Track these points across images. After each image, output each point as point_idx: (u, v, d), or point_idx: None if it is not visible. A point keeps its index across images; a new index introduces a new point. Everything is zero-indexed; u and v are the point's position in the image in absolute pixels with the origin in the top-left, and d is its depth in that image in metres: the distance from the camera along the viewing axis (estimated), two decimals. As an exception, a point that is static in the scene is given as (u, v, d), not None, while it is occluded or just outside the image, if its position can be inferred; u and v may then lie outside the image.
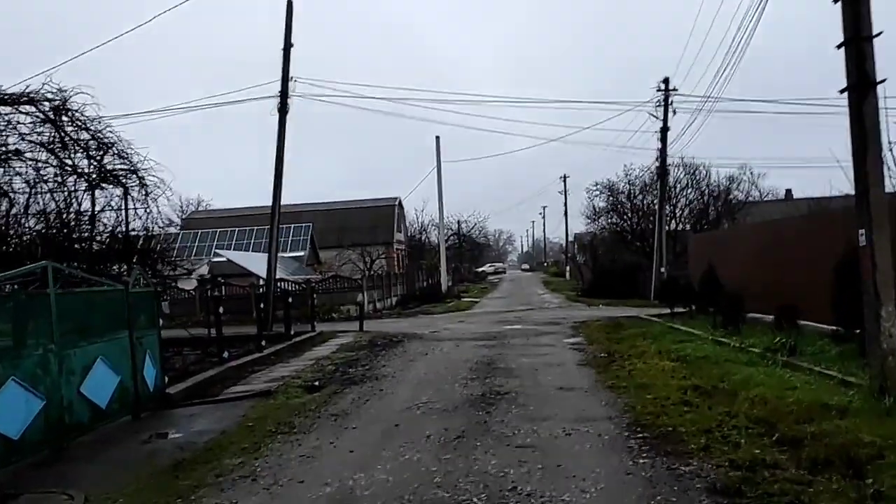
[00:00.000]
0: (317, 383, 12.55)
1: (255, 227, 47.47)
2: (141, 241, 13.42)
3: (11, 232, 11.78)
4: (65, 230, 12.07)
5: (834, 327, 12.30)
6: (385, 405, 9.93)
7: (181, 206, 74.20)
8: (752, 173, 42.85)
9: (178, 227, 59.62)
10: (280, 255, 44.84)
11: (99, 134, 11.40)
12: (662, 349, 13.91)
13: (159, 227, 18.41)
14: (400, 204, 59.74)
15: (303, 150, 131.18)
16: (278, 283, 31.68)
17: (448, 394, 10.40)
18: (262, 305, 17.72)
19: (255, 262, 33.02)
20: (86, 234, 12.15)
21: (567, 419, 8.18)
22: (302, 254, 46.96)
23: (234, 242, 47.21)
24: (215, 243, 46.61)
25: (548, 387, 10.45)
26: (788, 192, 54.24)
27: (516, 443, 7.27)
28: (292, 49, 23.68)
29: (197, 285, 37.31)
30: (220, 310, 15.38)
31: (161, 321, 12.08)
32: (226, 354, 14.83)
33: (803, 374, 9.94)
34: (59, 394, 8.72)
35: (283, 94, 23.71)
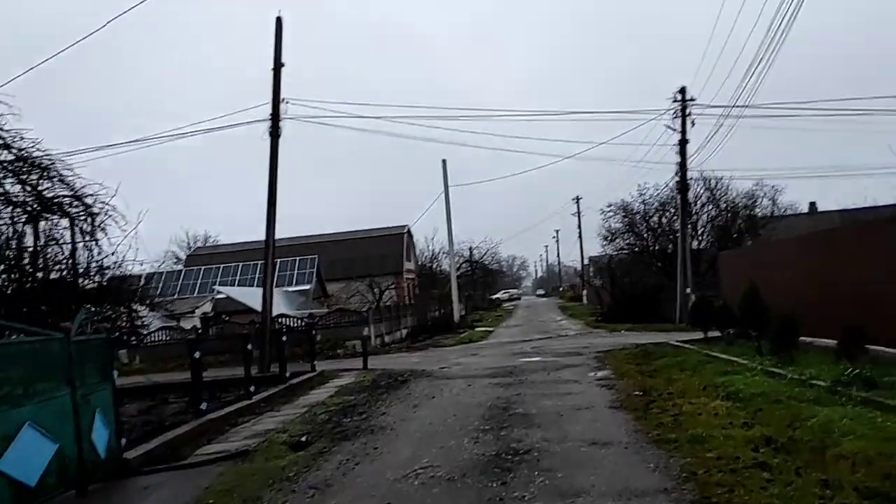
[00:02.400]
0: (304, 438, 10.70)
1: (261, 262, 45.87)
2: (97, 281, 11.60)
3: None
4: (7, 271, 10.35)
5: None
6: (376, 471, 8.03)
7: (188, 243, 73.23)
8: (772, 188, 40.57)
9: (183, 265, 58.35)
10: (285, 289, 43.29)
11: (24, 152, 9.72)
12: (707, 384, 11.95)
13: (138, 264, 16.67)
14: (409, 232, 58.07)
15: (308, 180, 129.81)
16: (278, 319, 29.97)
17: (455, 453, 8.47)
18: (249, 347, 15.85)
19: (256, 298, 31.36)
20: (28, 278, 10.39)
21: (609, 493, 6.23)
22: (308, 287, 45.23)
23: (238, 278, 45.63)
24: (219, 279, 45.05)
25: (577, 441, 8.49)
26: (812, 205, 52.14)
27: (543, 536, 5.36)
28: (283, 68, 22.21)
29: (200, 324, 35.73)
30: (197, 354, 13.55)
31: (116, 373, 10.25)
32: (204, 406, 12.99)
33: (898, 416, 7.94)
34: (-36, 477, 6.92)
35: (275, 117, 22.14)
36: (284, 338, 18.38)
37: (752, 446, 7.11)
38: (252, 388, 15.46)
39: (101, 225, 10.95)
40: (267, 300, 22.62)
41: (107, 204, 11.05)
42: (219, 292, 37.21)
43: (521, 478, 7.03)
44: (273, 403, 15.08)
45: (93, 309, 10.64)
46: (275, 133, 22.14)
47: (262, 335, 21.63)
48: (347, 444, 9.90)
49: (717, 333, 19.04)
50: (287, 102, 22.33)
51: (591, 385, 13.68)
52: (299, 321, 30.51)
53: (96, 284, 13.71)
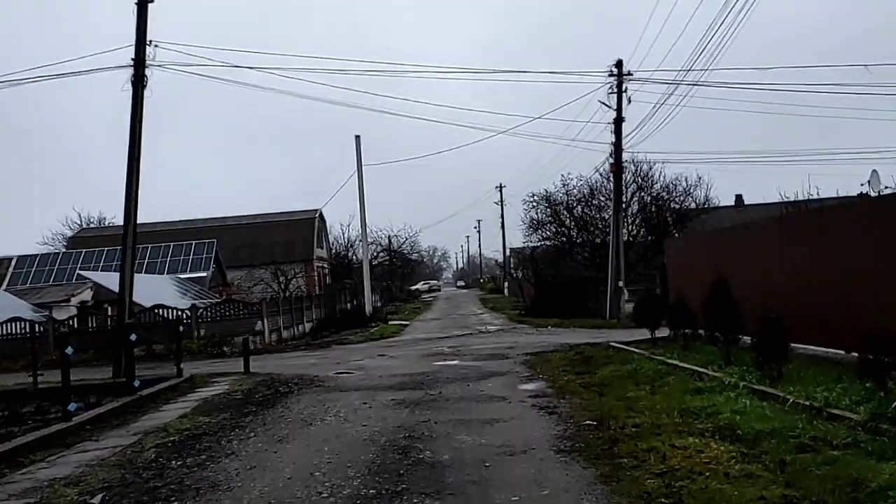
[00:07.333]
0: (96, 500, 6.98)
1: (150, 245, 41.03)
2: None
3: None
4: None
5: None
6: None
7: (81, 225, 66.18)
8: (698, 179, 38.18)
9: (65, 248, 52.25)
10: (178, 276, 38.55)
11: None
12: (681, 408, 8.81)
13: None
14: (322, 217, 53.85)
15: (218, 158, 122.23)
16: (155, 311, 25.68)
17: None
18: (69, 350, 11.76)
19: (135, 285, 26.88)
20: None
21: None
22: (204, 274, 40.57)
23: (124, 262, 40.56)
24: (101, 264, 39.88)
25: (516, 532, 5.07)
26: (739, 197, 50.76)
27: None
28: (151, 4, 18.00)
29: (76, 313, 30.81)
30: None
31: None
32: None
33: None
34: None
35: (139, 63, 17.97)
36: (133, 336, 14.30)
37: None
38: (73, 407, 11.43)
39: None
40: (126, 288, 18.59)
41: None
42: (86, 279, 32.23)
43: None
44: (98, 428, 11.12)
45: None
46: (138, 81, 17.96)
47: (118, 331, 17.54)
48: (151, 516, 6.23)
49: (664, 334, 16.16)
50: (155, 46, 18.19)
51: (525, 406, 10.33)
52: (183, 313, 26.21)
53: None
